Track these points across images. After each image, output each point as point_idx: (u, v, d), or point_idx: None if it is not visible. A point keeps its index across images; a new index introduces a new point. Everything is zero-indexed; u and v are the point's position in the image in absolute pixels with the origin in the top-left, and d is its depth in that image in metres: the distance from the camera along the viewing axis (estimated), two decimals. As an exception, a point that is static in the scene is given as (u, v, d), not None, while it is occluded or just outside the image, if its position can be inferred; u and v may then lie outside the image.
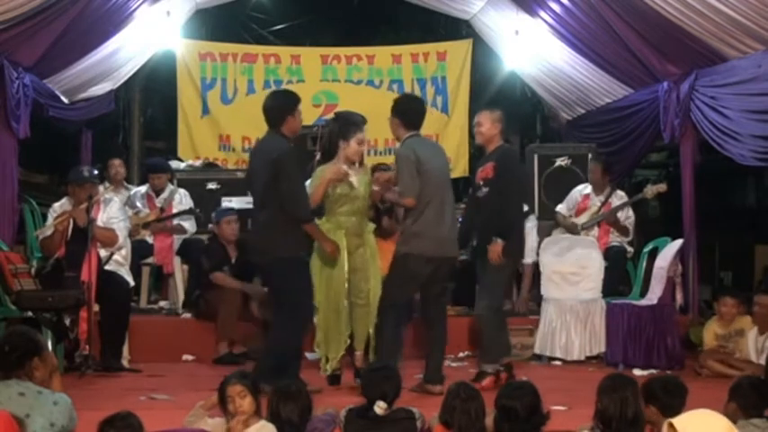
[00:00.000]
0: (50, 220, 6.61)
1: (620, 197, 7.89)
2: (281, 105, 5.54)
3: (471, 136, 9.99)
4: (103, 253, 6.51)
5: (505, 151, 6.00)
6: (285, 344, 5.43)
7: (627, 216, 7.80)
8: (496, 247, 5.65)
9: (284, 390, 3.83)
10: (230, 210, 7.38)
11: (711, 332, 6.63)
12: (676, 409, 3.71)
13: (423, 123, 5.80)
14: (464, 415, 3.75)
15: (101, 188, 7.07)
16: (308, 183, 5.73)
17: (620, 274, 7.65)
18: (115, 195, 7.27)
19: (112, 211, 6.61)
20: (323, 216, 5.87)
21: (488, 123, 5.89)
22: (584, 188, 8.07)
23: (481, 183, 5.84)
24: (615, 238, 7.74)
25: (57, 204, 6.69)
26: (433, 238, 5.55)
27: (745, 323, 6.55)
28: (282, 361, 5.33)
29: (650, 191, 7.67)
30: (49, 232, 6.43)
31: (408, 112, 5.75)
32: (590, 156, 8.57)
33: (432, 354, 5.68)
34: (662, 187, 7.62)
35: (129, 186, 8.60)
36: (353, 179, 5.68)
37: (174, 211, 7.89)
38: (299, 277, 5.46)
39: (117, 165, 8.46)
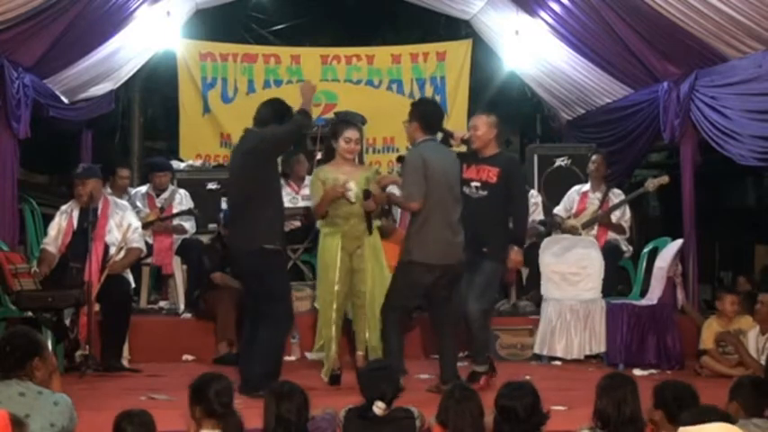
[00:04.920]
0: (57, 219, 6.68)
1: (617, 195, 7.89)
2: (276, 109, 5.68)
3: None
4: (113, 250, 6.54)
5: (513, 159, 6.18)
6: (279, 344, 5.48)
7: (623, 214, 7.80)
8: (518, 256, 5.81)
9: (278, 390, 3.82)
10: None
11: (711, 330, 6.62)
12: None
13: (440, 127, 5.81)
14: (458, 416, 3.75)
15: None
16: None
17: (614, 270, 7.62)
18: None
19: (130, 231, 6.65)
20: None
21: (485, 127, 5.88)
22: (581, 187, 8.06)
23: (477, 185, 5.81)
24: (612, 236, 7.74)
25: (64, 206, 6.77)
26: (439, 245, 5.52)
27: (745, 323, 6.55)
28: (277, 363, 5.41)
29: (652, 184, 7.63)
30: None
31: (429, 116, 5.72)
32: (589, 154, 8.58)
33: (444, 355, 5.68)
34: (664, 179, 7.60)
35: (129, 190, 8.58)
36: (351, 193, 5.70)
37: (174, 211, 7.89)
38: (282, 268, 5.61)
39: (125, 176, 8.38)
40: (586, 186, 8.01)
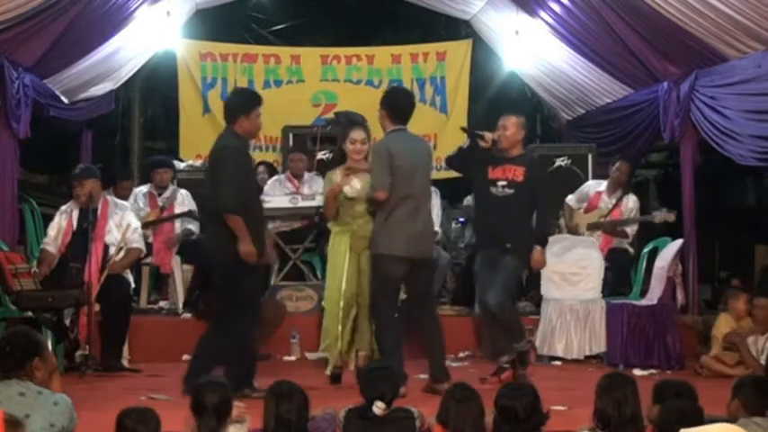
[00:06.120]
0: (57, 219, 6.67)
1: (631, 201, 7.86)
2: (235, 104, 5.47)
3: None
4: (113, 250, 6.53)
5: (537, 160, 6.28)
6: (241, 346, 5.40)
7: (631, 223, 7.81)
8: (540, 255, 5.85)
9: (278, 390, 3.82)
10: None
11: (726, 322, 6.57)
12: None
13: (410, 117, 5.76)
14: (459, 416, 3.74)
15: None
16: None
17: (623, 276, 7.63)
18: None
19: (130, 231, 6.64)
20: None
21: (514, 128, 5.92)
22: (598, 185, 8.04)
23: (504, 183, 5.84)
24: (618, 241, 7.75)
25: (64, 207, 6.76)
26: (405, 237, 5.52)
27: (745, 322, 6.54)
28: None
29: (659, 217, 7.59)
30: None
31: (396, 104, 5.71)
32: (591, 155, 8.55)
33: (431, 353, 5.67)
34: (671, 217, 7.55)
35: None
36: (347, 188, 5.72)
37: (176, 211, 7.88)
38: (250, 277, 5.33)
39: (125, 187, 8.30)
40: (603, 186, 7.97)
